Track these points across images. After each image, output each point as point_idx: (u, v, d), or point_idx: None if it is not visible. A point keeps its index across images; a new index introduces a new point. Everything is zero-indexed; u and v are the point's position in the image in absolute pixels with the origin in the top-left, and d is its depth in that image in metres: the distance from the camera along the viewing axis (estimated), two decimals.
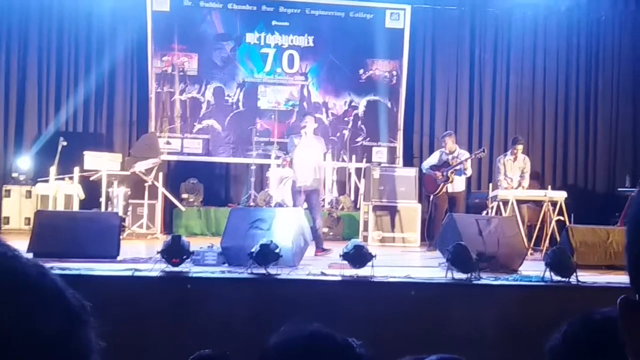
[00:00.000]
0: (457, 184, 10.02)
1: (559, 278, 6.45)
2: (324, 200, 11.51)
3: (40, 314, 0.75)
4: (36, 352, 0.73)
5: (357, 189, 11.86)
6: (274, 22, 12.67)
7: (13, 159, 11.72)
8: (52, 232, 7.17)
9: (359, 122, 12.85)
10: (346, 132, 12.66)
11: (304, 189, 8.62)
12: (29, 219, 10.30)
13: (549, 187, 10.43)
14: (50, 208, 10.06)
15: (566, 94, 13.19)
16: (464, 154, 10.20)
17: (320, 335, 1.54)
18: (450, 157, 10.07)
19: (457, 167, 9.96)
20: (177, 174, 12.21)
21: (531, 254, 8.90)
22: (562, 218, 9.43)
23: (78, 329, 0.78)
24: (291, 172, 10.98)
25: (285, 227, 7.10)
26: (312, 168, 8.67)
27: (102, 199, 10.31)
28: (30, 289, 0.76)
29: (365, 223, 10.70)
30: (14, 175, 11.34)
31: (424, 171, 10.32)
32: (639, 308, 0.81)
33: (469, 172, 10.20)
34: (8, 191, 11.09)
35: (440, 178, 9.94)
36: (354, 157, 12.35)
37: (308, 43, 12.73)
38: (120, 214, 9.54)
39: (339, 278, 6.27)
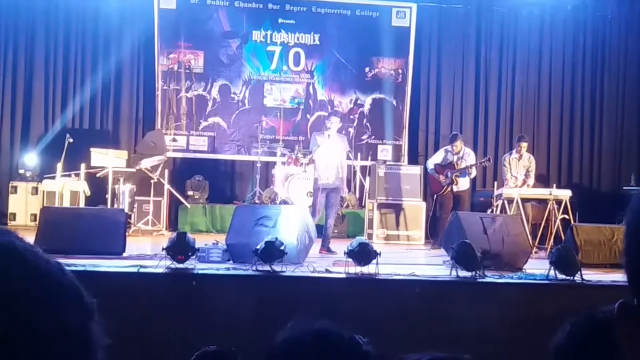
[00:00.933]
0: (462, 183, 9.99)
1: (563, 276, 6.46)
2: (341, 199, 11.51)
3: (65, 310, 0.77)
4: (62, 345, 0.75)
5: (362, 187, 11.86)
6: (280, 20, 12.67)
7: (20, 155, 11.75)
8: (58, 228, 7.20)
9: (365, 120, 12.85)
10: (351, 130, 12.65)
11: (325, 186, 8.69)
12: (35, 215, 10.33)
13: (554, 185, 10.42)
14: (56, 204, 10.09)
15: (572, 92, 13.16)
16: (470, 154, 10.17)
17: (327, 332, 1.54)
18: (455, 157, 10.03)
19: (462, 171, 9.94)
20: (183, 171, 12.23)
21: (536, 252, 8.88)
22: (567, 216, 9.42)
23: (91, 325, 0.80)
24: (296, 170, 11.04)
25: (290, 224, 7.12)
26: (335, 166, 8.79)
27: (108, 196, 10.34)
28: (55, 285, 0.78)
29: (370, 221, 10.70)
30: (21, 171, 11.38)
31: (428, 170, 10.29)
32: (635, 311, 0.81)
33: (473, 174, 10.16)
34: (14, 187, 11.13)
35: (445, 180, 9.91)
36: (359, 154, 12.33)
37: (314, 41, 12.73)
38: (126, 210, 9.56)
39: (344, 276, 6.28)
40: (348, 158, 11.97)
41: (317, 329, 1.54)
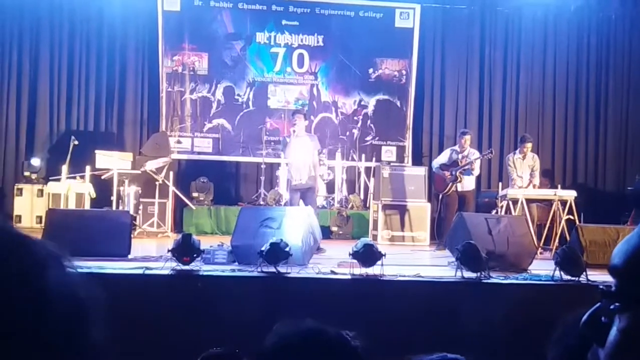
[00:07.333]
0: (467, 183, 10.01)
1: (568, 277, 6.45)
2: (333, 199, 11.57)
3: (41, 304, 0.76)
4: (36, 342, 0.75)
5: (366, 188, 11.87)
6: (284, 22, 12.69)
7: (25, 158, 11.79)
8: (63, 230, 7.20)
9: (369, 121, 12.85)
10: (355, 131, 12.67)
11: (299, 187, 8.84)
12: (40, 217, 10.36)
13: (559, 186, 10.41)
14: (61, 207, 10.10)
15: (576, 93, 13.15)
16: (474, 153, 10.19)
17: (315, 331, 1.54)
18: (460, 156, 10.07)
19: (466, 167, 9.96)
20: (188, 173, 12.25)
21: (541, 253, 8.88)
22: (571, 217, 9.41)
23: (82, 324, 0.79)
24: None
25: (295, 225, 7.12)
26: (306, 166, 8.96)
27: (113, 198, 10.36)
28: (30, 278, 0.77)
29: (375, 222, 10.71)
30: (26, 174, 11.41)
31: (434, 170, 10.33)
32: None
33: (476, 171, 10.16)
34: (20, 190, 11.16)
35: (449, 178, 9.94)
36: (363, 156, 12.36)
37: (318, 42, 12.74)
38: (131, 212, 9.57)
39: (349, 277, 6.28)
40: (346, 158, 12.12)
41: (305, 329, 1.54)
